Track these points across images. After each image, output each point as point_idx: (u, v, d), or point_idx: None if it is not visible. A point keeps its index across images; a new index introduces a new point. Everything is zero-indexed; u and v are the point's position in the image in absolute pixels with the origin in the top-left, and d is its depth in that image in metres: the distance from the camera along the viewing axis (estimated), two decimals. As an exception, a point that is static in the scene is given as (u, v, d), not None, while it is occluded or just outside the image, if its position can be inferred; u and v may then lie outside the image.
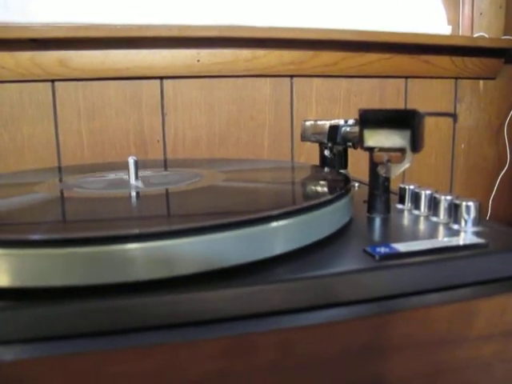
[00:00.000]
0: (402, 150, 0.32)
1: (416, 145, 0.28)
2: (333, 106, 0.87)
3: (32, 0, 0.76)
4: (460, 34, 0.96)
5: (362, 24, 0.86)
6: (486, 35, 0.95)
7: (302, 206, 0.32)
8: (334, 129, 0.52)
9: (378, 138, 0.28)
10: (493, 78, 0.96)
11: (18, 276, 0.25)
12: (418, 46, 0.86)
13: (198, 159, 0.70)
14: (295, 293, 0.27)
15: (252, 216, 0.29)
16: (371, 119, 0.28)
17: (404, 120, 0.28)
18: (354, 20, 0.88)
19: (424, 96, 0.91)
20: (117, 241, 0.26)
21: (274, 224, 0.30)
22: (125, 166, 0.47)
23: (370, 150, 0.32)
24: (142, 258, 0.26)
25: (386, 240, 0.34)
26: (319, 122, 0.55)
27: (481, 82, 0.96)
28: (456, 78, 0.93)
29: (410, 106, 0.90)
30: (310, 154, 0.87)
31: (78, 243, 0.25)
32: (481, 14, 0.95)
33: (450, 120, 0.91)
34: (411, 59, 0.88)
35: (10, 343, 0.23)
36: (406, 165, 0.40)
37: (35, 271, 0.25)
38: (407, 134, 0.28)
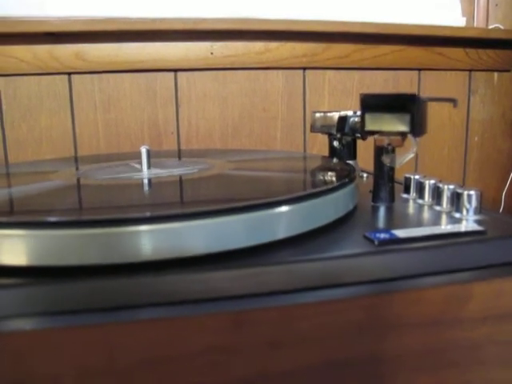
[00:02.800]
0: (403, 135, 0.33)
1: (416, 129, 0.28)
2: (345, 98, 0.88)
3: (49, -6, 0.78)
4: (475, 25, 0.96)
5: (375, 16, 0.86)
6: (502, 27, 0.94)
7: (306, 193, 0.33)
8: (343, 120, 0.53)
9: (379, 122, 0.29)
10: (507, 70, 0.96)
11: (37, 255, 0.27)
12: (432, 37, 0.86)
13: (210, 149, 0.71)
14: (296, 274, 0.28)
15: (257, 202, 0.30)
16: (372, 104, 0.29)
17: (404, 104, 0.28)
18: (367, 12, 0.88)
19: (437, 88, 0.90)
20: (128, 223, 0.27)
21: (278, 210, 0.31)
22: (138, 156, 0.49)
23: (372, 133, 0.33)
24: (152, 239, 0.27)
25: (387, 227, 0.35)
26: (328, 114, 0.55)
27: (495, 74, 0.95)
28: (470, 70, 0.93)
29: (422, 99, 0.90)
30: (322, 146, 0.88)
31: (92, 225, 0.27)
32: (496, 5, 0.94)
33: (463, 112, 0.91)
34: (425, 51, 0.87)
35: (31, 315, 0.25)
36: (410, 155, 0.41)
37: (53, 251, 0.27)
38: (407, 118, 0.28)
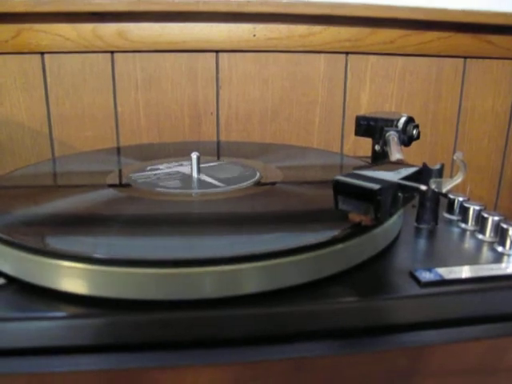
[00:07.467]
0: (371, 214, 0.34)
1: (377, 217, 0.31)
2: (387, 84, 0.86)
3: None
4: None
5: (422, 1, 0.83)
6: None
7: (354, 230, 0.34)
8: (381, 130, 0.53)
9: (349, 204, 0.33)
10: (558, 59, 0.92)
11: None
12: (482, 25, 0.83)
13: (250, 144, 0.72)
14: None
15: (310, 243, 0.32)
16: (343, 189, 0.33)
17: (368, 196, 0.31)
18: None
19: (482, 78, 0.88)
20: (188, 265, 0.29)
21: (332, 248, 0.32)
22: (181, 151, 0.49)
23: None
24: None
25: (430, 259, 0.36)
26: (371, 119, 0.55)
27: (545, 63, 0.92)
28: (518, 59, 0.90)
29: (466, 88, 0.88)
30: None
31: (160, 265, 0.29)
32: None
33: (507, 103, 0.89)
34: (472, 39, 0.85)
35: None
36: (458, 180, 0.41)
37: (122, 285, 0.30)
38: (372, 207, 0.32)
